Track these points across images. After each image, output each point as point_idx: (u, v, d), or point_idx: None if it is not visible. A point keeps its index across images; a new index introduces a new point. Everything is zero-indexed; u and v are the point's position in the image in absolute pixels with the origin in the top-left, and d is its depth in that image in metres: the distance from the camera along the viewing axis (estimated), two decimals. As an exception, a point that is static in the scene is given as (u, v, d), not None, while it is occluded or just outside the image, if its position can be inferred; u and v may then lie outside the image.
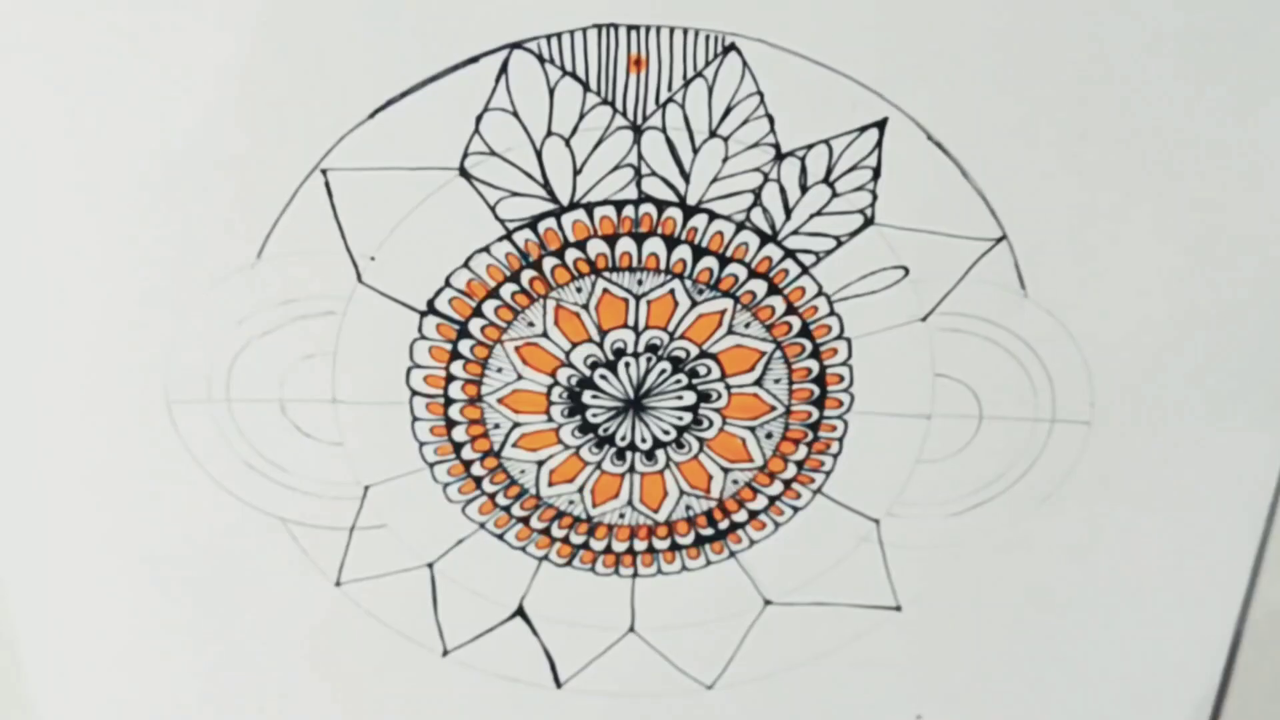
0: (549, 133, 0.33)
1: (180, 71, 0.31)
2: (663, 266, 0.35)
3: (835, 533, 0.39)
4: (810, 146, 0.33)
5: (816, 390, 0.37)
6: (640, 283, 0.35)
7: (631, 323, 0.36)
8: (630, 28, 0.31)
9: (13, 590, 0.39)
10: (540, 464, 0.38)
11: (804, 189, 0.34)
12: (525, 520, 0.39)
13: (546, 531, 0.39)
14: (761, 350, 0.37)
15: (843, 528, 0.39)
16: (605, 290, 0.35)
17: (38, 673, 0.41)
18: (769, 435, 0.38)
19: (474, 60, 0.32)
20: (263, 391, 0.36)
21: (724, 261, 0.35)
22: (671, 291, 0.35)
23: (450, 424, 0.37)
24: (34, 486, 0.38)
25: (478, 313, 0.36)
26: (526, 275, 0.35)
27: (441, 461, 0.38)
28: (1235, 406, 0.36)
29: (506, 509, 0.39)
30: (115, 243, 0.34)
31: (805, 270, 0.35)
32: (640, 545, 0.40)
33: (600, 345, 0.36)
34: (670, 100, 0.32)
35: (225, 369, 0.36)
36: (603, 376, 0.37)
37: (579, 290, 0.35)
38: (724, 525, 0.40)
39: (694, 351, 0.37)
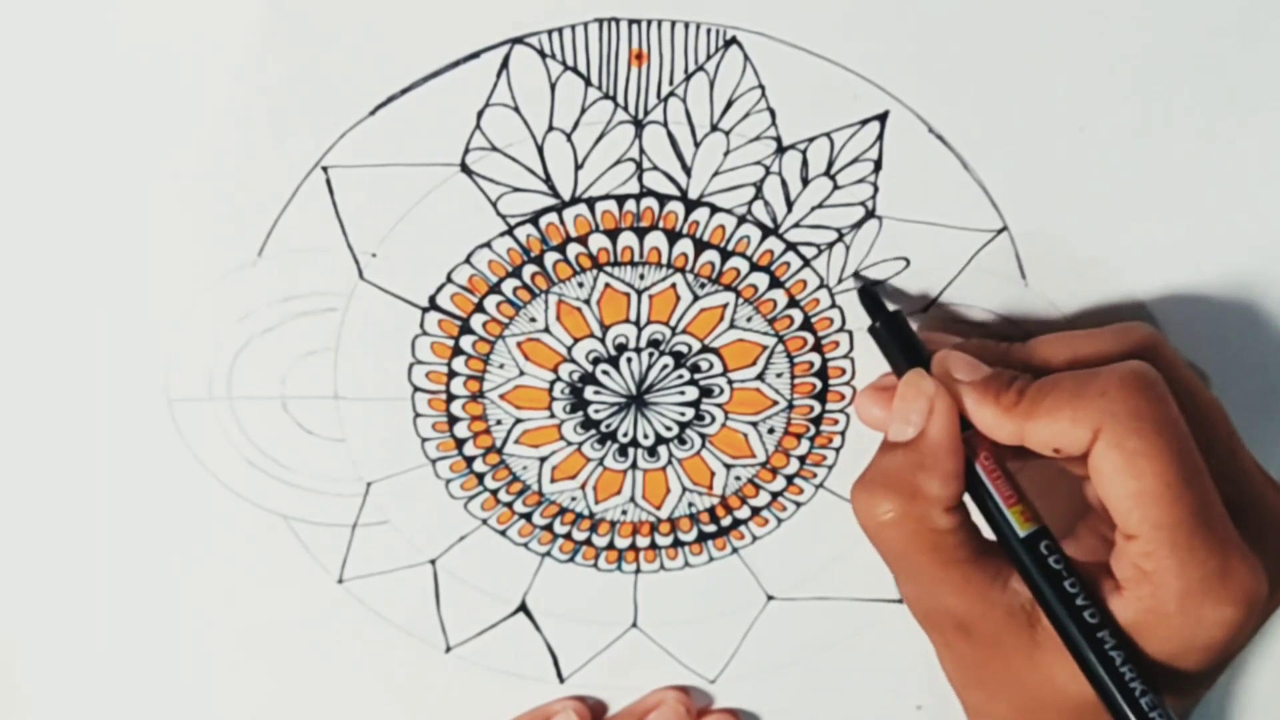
0: (550, 127, 0.33)
1: (180, 68, 0.31)
2: (665, 260, 0.35)
3: (837, 527, 0.39)
4: (812, 140, 0.33)
5: (819, 384, 0.37)
6: (642, 277, 0.35)
7: (633, 317, 0.36)
8: (631, 22, 0.32)
9: (9, 590, 0.39)
10: (542, 460, 0.38)
11: (805, 182, 0.34)
12: (527, 517, 0.39)
13: (549, 528, 0.39)
14: (763, 344, 0.37)
15: (845, 522, 0.39)
16: (607, 285, 0.35)
17: (34, 671, 0.41)
18: (771, 430, 0.38)
19: (475, 56, 0.32)
20: (264, 389, 0.36)
21: (726, 255, 0.35)
22: (673, 286, 0.35)
23: (452, 420, 0.37)
24: (33, 486, 0.37)
25: (480, 308, 0.36)
26: (528, 270, 0.35)
27: (443, 458, 0.38)
28: (1236, 400, 0.36)
29: (509, 505, 0.39)
30: (115, 240, 0.34)
31: (807, 263, 0.35)
32: (643, 542, 0.40)
33: (602, 340, 0.36)
34: (671, 94, 0.32)
35: (226, 366, 0.36)
36: (605, 372, 0.37)
37: (581, 285, 0.35)
38: (726, 522, 0.40)
39: (696, 346, 0.37)
